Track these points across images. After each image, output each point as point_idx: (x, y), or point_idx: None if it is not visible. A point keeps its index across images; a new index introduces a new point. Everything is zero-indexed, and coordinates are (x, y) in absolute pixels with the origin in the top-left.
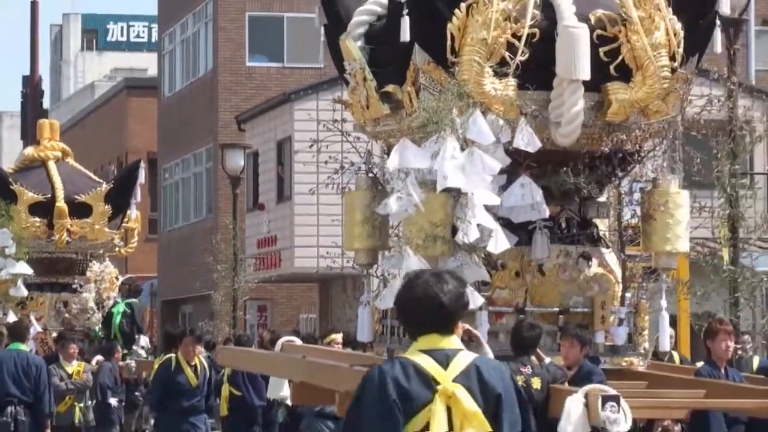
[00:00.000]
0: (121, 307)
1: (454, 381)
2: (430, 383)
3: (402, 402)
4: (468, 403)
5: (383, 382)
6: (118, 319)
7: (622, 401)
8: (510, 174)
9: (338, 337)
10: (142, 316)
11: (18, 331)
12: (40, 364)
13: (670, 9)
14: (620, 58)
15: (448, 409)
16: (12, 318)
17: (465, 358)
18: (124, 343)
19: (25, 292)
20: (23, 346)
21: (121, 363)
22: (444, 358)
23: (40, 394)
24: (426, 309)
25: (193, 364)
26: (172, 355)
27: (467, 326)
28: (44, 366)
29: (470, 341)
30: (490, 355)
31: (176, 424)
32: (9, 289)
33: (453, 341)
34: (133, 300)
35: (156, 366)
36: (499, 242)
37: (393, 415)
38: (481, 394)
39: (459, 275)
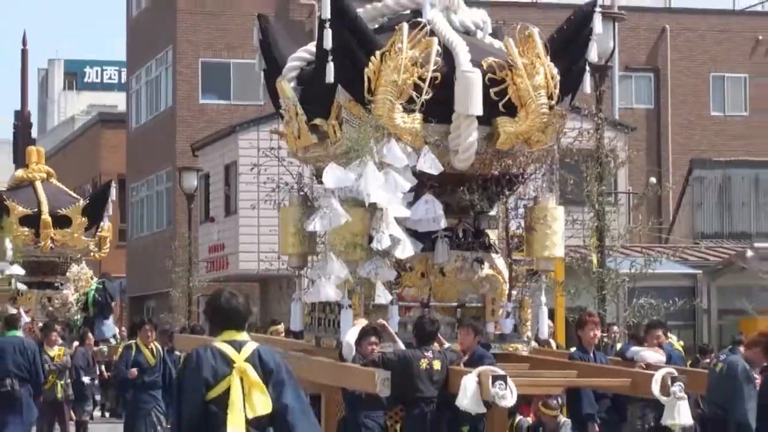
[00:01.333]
0: (94, 285)
1: (245, 361)
2: (229, 362)
3: (210, 374)
4: (253, 375)
5: (199, 361)
6: (92, 293)
7: (509, 380)
8: (416, 192)
9: (280, 327)
10: (113, 295)
11: (13, 321)
12: (33, 347)
13: (549, 57)
14: (507, 97)
15: (242, 380)
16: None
17: (251, 346)
18: (100, 310)
19: (24, 287)
20: (18, 333)
21: (95, 348)
22: (238, 346)
23: (35, 370)
24: (229, 314)
25: (150, 347)
26: (132, 341)
27: (383, 321)
28: (37, 348)
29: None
30: (400, 344)
31: (139, 396)
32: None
33: (244, 335)
34: (105, 280)
35: (120, 349)
36: (406, 249)
37: (202, 383)
38: (261, 369)
39: (243, 293)
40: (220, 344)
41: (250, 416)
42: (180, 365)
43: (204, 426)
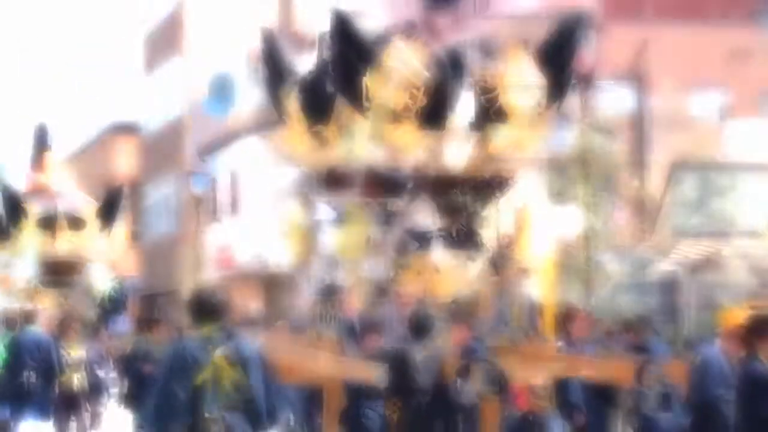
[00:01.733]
0: (109, 284)
1: (222, 351)
2: (208, 352)
3: (193, 362)
4: (229, 364)
5: (183, 350)
6: (106, 291)
7: (500, 372)
8: (412, 194)
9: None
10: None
11: (31, 317)
12: (48, 340)
13: (536, 65)
14: (498, 104)
15: (219, 368)
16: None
17: (229, 337)
18: (114, 306)
19: (41, 287)
20: (35, 328)
21: (109, 343)
22: (217, 337)
23: (51, 363)
24: (208, 311)
25: (161, 342)
26: (142, 337)
27: (380, 319)
28: (52, 341)
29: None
30: (397, 339)
31: (149, 388)
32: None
33: (222, 327)
34: (119, 279)
35: (132, 344)
36: (403, 248)
37: (186, 370)
38: (238, 358)
39: (220, 291)
40: (201, 336)
41: (225, 402)
42: (166, 354)
43: (183, 411)
